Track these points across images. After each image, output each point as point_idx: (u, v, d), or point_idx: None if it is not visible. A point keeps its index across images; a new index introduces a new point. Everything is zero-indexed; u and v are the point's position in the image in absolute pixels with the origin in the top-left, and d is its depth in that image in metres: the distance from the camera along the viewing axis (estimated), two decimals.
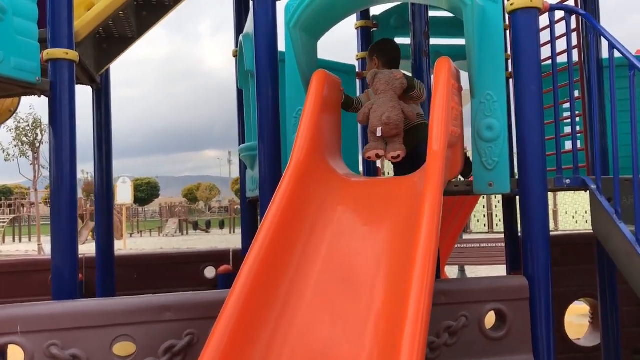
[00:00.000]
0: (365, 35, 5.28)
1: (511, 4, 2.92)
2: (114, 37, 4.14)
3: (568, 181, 3.06)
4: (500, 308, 2.79)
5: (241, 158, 4.09)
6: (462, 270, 11.66)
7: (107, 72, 4.48)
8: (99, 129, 4.46)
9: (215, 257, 5.14)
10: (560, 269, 5.12)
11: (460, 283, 3.07)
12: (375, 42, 4.00)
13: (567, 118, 3.52)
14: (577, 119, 4.12)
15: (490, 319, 2.82)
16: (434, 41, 5.19)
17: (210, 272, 5.10)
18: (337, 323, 2.21)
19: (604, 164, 3.66)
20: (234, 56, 4.53)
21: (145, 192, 53.34)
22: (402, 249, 2.32)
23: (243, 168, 4.44)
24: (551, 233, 3.34)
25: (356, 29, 5.29)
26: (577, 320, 6.12)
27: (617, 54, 2.96)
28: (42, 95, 3.13)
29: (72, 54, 3.10)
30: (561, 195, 26.01)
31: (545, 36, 3.32)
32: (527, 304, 2.83)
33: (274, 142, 3.28)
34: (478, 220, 27.31)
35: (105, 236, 4.54)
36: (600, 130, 3.73)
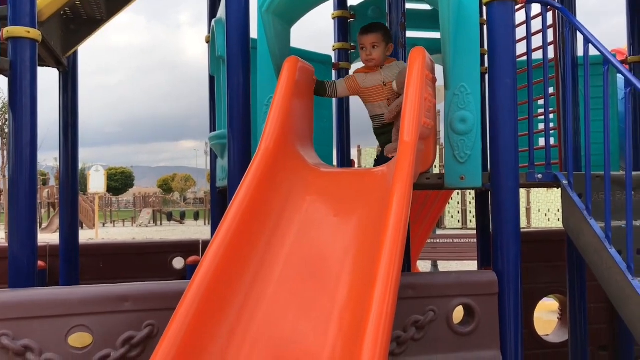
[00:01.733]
0: (342, 26, 5.22)
1: None
2: (81, 18, 4.00)
3: (540, 176, 3.04)
4: (468, 303, 2.76)
5: (211, 146, 4.00)
6: (434, 266, 11.74)
7: (75, 54, 4.34)
8: (65, 114, 4.31)
9: (185, 248, 5.05)
10: (530, 265, 5.15)
11: (428, 277, 3.04)
12: None
13: (541, 114, 3.51)
14: (552, 115, 4.12)
15: (458, 313, 2.79)
16: (411, 34, 5.15)
17: (179, 263, 5.00)
18: (302, 315, 2.15)
19: (576, 160, 3.66)
20: (207, 42, 4.43)
21: (120, 181, 52.70)
22: (370, 241, 2.26)
23: (213, 157, 4.34)
24: (523, 230, 3.33)
25: (333, 19, 5.22)
26: (547, 316, 6.18)
27: (592, 53, 2.95)
28: (1, 75, 3.00)
29: (34, 33, 2.97)
30: (534, 192, 26.37)
31: (522, 32, 3.29)
32: (496, 299, 2.80)
33: (244, 130, 3.20)
34: (452, 216, 27.54)
35: (69, 224, 4.41)
36: (573, 127, 3.73)
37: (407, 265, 4.05)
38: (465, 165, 2.93)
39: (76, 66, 4.39)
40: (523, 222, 26.29)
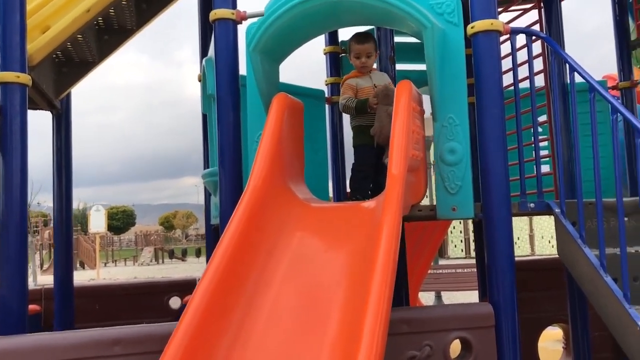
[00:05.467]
0: (334, 61, 5.29)
1: (472, 27, 2.91)
2: (74, 61, 4.04)
3: (532, 205, 3.02)
4: (465, 336, 2.70)
5: (204, 184, 4.00)
6: (438, 296, 11.60)
7: (68, 96, 4.37)
8: (58, 155, 4.32)
9: (181, 287, 5.00)
10: (533, 294, 5.08)
11: (423, 311, 2.99)
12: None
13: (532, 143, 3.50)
14: (546, 143, 4.12)
15: (455, 347, 2.74)
16: (403, 67, 5.21)
17: (175, 303, 4.96)
18: (291, 353, 2.11)
19: (571, 188, 3.64)
20: (199, 80, 4.47)
21: (121, 220, 52.64)
22: (359, 275, 2.23)
23: (208, 195, 4.34)
24: (527, 258, 3.29)
25: (325, 54, 5.30)
26: (552, 345, 6.07)
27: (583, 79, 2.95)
28: None
29: (24, 78, 3.00)
30: (537, 219, 26.26)
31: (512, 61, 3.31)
32: (493, 331, 2.75)
33: (234, 167, 3.21)
34: (455, 246, 27.38)
35: (63, 266, 4.37)
36: (567, 154, 3.73)
37: (405, 298, 4.00)
38: (457, 196, 2.91)
39: (69, 108, 4.42)
40: (526, 250, 26.17)
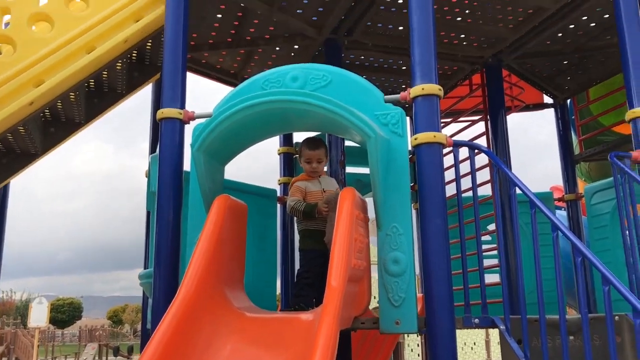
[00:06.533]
0: (288, 161, 5.35)
1: (415, 139, 2.93)
2: (14, 152, 3.91)
3: (477, 321, 2.92)
4: None
5: (141, 285, 3.79)
6: None
7: (6, 187, 4.20)
8: None
9: None
10: None
11: None
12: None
13: (486, 250, 3.44)
14: (496, 252, 4.10)
15: None
16: (356, 170, 5.28)
17: None
18: None
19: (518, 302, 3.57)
20: (146, 177, 4.38)
21: (67, 313, 49.95)
22: None
23: (145, 297, 4.12)
24: None
25: (279, 154, 5.36)
26: None
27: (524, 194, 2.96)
28: None
29: None
30: None
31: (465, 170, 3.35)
32: None
33: (171, 269, 3.07)
34: (412, 350, 26.72)
35: None
36: (513, 266, 3.71)
37: None
38: (400, 309, 2.80)
39: (6, 198, 4.24)
40: (483, 356, 25.69)
